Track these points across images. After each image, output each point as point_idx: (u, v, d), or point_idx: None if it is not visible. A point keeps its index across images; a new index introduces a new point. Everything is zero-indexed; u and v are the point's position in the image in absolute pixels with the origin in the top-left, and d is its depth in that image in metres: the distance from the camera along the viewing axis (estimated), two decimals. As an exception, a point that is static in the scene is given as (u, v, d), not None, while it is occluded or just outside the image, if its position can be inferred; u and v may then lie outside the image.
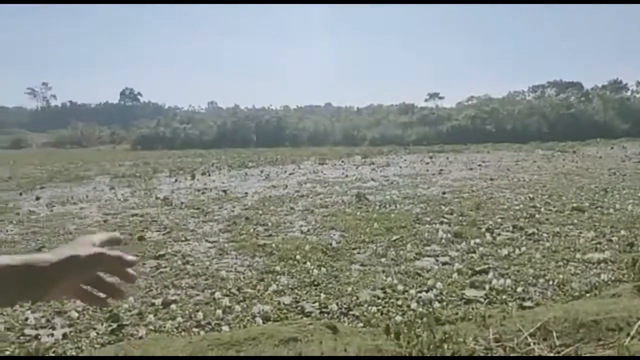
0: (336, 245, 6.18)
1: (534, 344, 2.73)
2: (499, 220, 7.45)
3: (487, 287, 4.51)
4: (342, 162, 19.59)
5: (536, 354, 2.66)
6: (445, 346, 2.69)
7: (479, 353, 2.70)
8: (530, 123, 33.92)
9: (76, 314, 4.18)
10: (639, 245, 5.72)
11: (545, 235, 6.44)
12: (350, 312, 4.09)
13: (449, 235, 6.49)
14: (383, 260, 5.57)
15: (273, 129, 39.58)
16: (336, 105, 68.87)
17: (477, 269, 5.05)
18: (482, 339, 2.83)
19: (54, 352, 3.58)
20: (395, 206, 8.93)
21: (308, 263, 5.44)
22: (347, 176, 14.33)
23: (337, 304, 4.23)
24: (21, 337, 3.80)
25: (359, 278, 4.93)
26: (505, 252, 5.62)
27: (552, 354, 2.65)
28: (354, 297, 4.39)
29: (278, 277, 5.08)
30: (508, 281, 4.59)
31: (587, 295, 4.23)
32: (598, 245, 5.83)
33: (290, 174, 15.54)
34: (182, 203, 10.12)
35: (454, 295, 4.37)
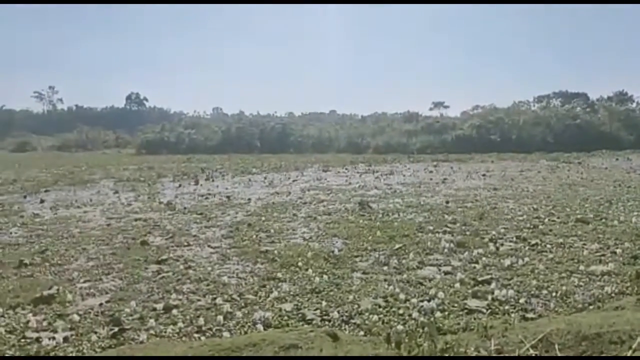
0: (338, 253, 6.17)
1: (536, 356, 2.71)
2: (503, 230, 7.43)
3: (489, 297, 4.49)
4: (346, 169, 19.58)
5: (538, 366, 2.63)
6: (447, 356, 2.68)
7: (480, 364, 2.68)
8: (536, 133, 33.79)
9: (77, 317, 4.19)
10: (643, 258, 5.69)
11: (548, 246, 6.41)
12: (352, 320, 4.08)
13: (452, 244, 6.48)
14: (385, 268, 5.56)
15: (277, 136, 39.60)
16: (340, 112, 68.85)
17: (480, 279, 5.03)
18: (484, 349, 2.82)
19: (54, 355, 3.59)
20: (398, 214, 8.92)
21: (310, 270, 5.45)
22: (350, 184, 14.33)
23: (338, 312, 4.22)
24: (22, 340, 3.81)
25: (361, 286, 4.92)
26: (508, 262, 5.60)
27: (554, 366, 2.63)
28: (356, 305, 4.38)
29: (280, 283, 5.08)
30: (511, 292, 4.56)
31: (590, 307, 4.21)
32: (602, 257, 5.79)
33: (294, 180, 15.56)
34: (185, 208, 10.15)
35: (456, 305, 4.36)
